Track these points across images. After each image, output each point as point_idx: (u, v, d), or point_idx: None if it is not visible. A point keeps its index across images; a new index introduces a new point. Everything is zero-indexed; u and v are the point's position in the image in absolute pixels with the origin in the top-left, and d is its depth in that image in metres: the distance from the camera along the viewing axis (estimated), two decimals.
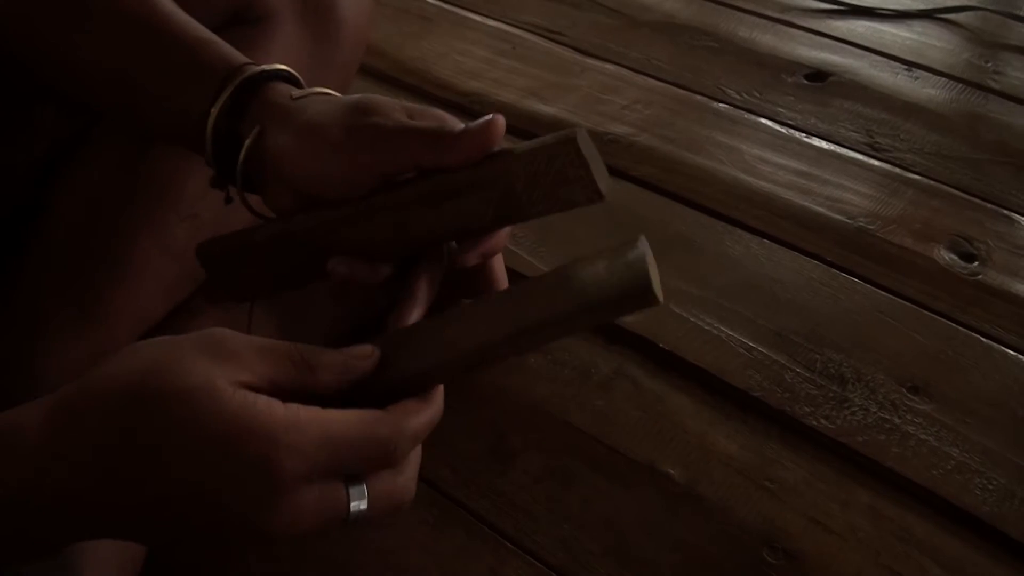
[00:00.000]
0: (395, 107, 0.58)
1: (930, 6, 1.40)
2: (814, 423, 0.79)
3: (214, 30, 0.66)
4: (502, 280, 0.64)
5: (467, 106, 1.17)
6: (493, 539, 0.71)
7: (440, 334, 0.51)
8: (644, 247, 0.48)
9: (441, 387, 0.50)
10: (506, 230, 0.61)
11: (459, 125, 0.55)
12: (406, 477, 0.47)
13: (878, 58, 1.28)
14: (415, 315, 0.58)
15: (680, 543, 0.72)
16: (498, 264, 0.63)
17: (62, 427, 0.43)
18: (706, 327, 0.87)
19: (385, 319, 0.61)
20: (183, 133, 0.64)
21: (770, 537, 0.72)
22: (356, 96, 0.59)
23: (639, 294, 0.46)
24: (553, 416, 0.79)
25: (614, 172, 1.05)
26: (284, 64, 0.69)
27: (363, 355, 0.49)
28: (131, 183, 0.74)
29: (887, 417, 0.80)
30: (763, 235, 0.98)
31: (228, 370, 0.43)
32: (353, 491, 0.45)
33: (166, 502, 0.43)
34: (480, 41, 1.31)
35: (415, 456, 0.48)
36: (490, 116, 0.54)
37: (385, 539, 0.71)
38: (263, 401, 0.43)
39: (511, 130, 1.10)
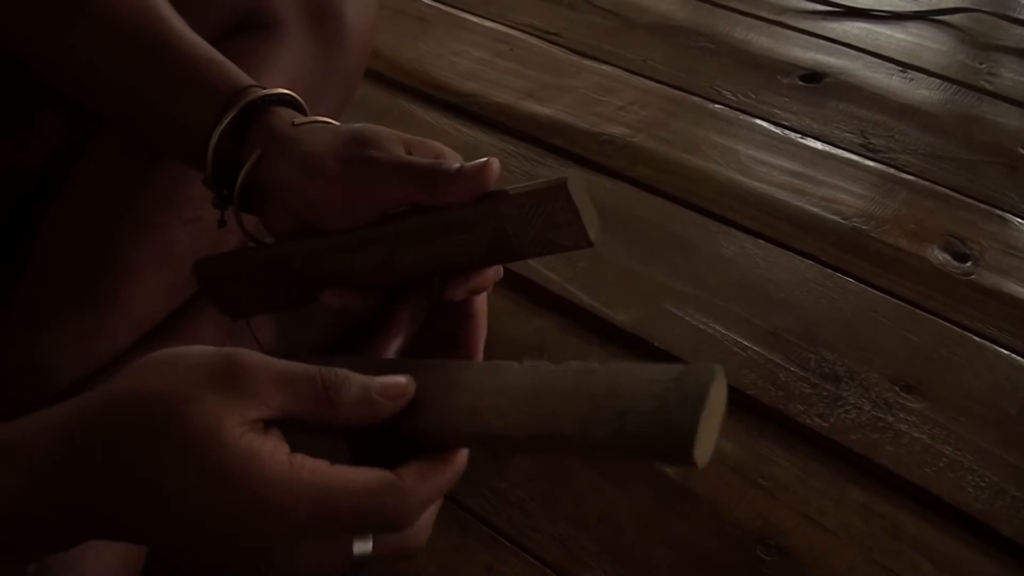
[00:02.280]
0: (393, 139, 0.58)
1: (924, 8, 1.40)
2: (808, 421, 0.80)
3: (221, 36, 0.67)
4: (482, 317, 0.63)
5: (464, 107, 1.18)
6: (490, 537, 0.72)
7: (476, 401, 0.47)
8: (706, 385, 0.40)
9: (465, 451, 0.47)
10: (494, 268, 0.61)
11: (455, 163, 0.56)
12: (417, 529, 0.47)
13: (873, 59, 1.29)
14: (396, 345, 0.58)
15: (675, 540, 0.72)
16: (481, 301, 0.63)
17: (65, 449, 0.43)
18: (701, 326, 0.87)
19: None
20: (184, 150, 0.64)
21: (764, 534, 0.73)
22: (356, 126, 0.59)
23: (678, 454, 0.39)
24: None
25: (610, 173, 1.06)
26: (290, 72, 0.70)
27: (395, 393, 0.47)
28: (134, 186, 0.74)
29: (880, 416, 0.81)
30: (758, 235, 0.98)
31: (239, 409, 0.43)
32: (356, 544, 0.44)
33: (167, 535, 0.43)
34: (477, 42, 1.31)
35: (433, 507, 0.47)
36: (486, 159, 0.54)
37: None
38: (267, 451, 0.42)
39: (509, 131, 1.12)
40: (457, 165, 0.55)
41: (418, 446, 0.46)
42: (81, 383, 0.73)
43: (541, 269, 0.91)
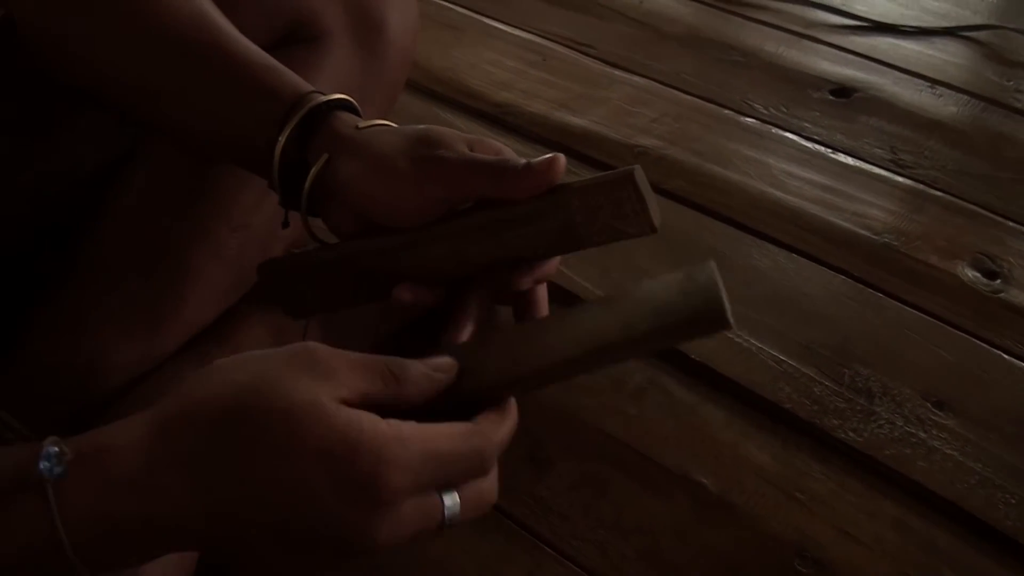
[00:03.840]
0: (457, 138, 0.60)
1: (952, 24, 1.41)
2: (842, 436, 0.81)
3: (270, 46, 0.68)
4: (544, 303, 0.66)
5: (498, 116, 1.19)
6: (531, 543, 0.73)
7: (515, 349, 0.52)
8: (714, 272, 0.49)
9: (514, 399, 0.51)
10: (556, 258, 0.63)
11: (519, 159, 0.58)
12: (491, 480, 0.49)
13: (901, 75, 1.30)
14: (466, 334, 0.60)
15: (712, 550, 0.74)
16: (543, 288, 0.66)
17: (160, 448, 0.44)
18: (736, 339, 0.88)
19: (424, 325, 0.64)
20: (244, 156, 0.66)
21: (801, 547, 0.74)
22: (420, 127, 0.61)
23: (714, 317, 0.47)
24: (588, 424, 0.81)
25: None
26: (336, 81, 0.71)
27: (445, 368, 0.50)
28: (186, 191, 0.76)
29: (913, 431, 0.82)
30: (791, 249, 0.99)
31: (328, 387, 0.44)
32: (446, 498, 0.46)
33: (267, 522, 0.44)
34: (509, 52, 1.32)
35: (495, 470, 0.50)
36: (553, 154, 0.56)
37: (428, 543, 0.73)
38: (367, 418, 0.44)
39: (542, 141, 1.13)
40: (524, 161, 0.57)
41: (463, 414, 0.50)
42: (131, 384, 0.74)
43: (575, 278, 0.93)
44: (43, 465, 0.44)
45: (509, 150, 0.62)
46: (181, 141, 0.74)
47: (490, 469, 0.48)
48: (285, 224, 0.68)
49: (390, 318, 0.83)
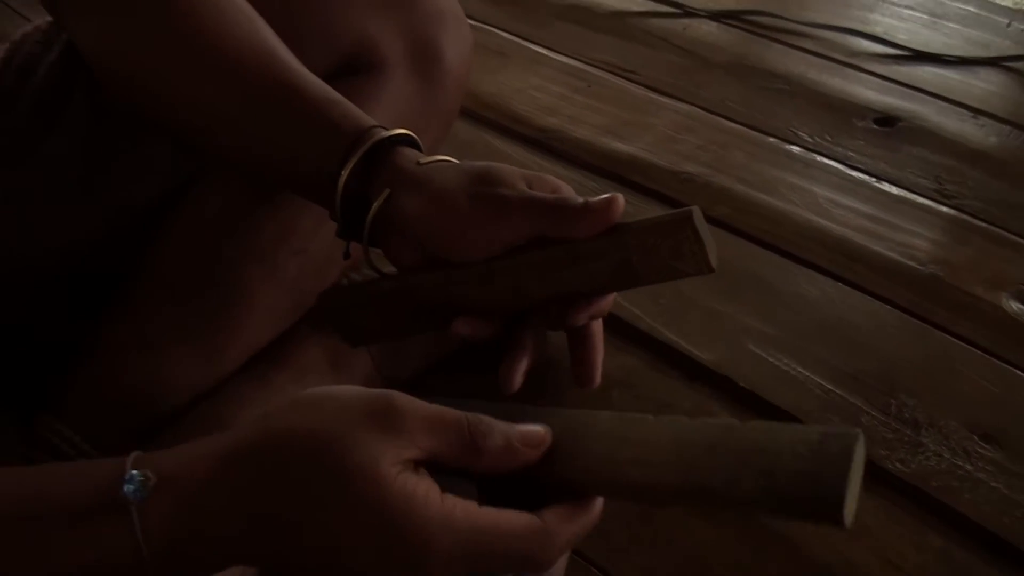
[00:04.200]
0: (517, 176, 0.62)
1: (994, 54, 1.41)
2: (890, 466, 0.82)
3: (330, 76, 0.70)
4: (599, 338, 0.67)
5: (545, 142, 1.21)
6: (584, 567, 0.74)
7: (616, 451, 0.49)
8: (852, 446, 0.43)
9: (601, 499, 0.50)
10: (612, 294, 0.65)
11: (578, 198, 0.59)
12: (554, 572, 0.50)
13: (944, 104, 1.30)
14: (522, 368, 0.62)
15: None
16: (598, 324, 0.67)
17: (230, 482, 0.46)
18: (784, 367, 0.89)
19: (476, 352, 0.65)
20: (307, 187, 0.68)
21: (845, 575, 0.74)
22: (480, 164, 0.63)
23: (828, 513, 0.42)
24: None
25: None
26: (394, 110, 0.73)
27: (535, 442, 0.49)
28: (247, 216, 0.77)
29: (959, 464, 0.82)
30: (837, 278, 1.00)
31: (394, 447, 0.45)
32: None
33: (314, 566, 0.46)
34: (555, 78, 1.34)
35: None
36: (611, 195, 0.58)
37: None
38: (422, 492, 0.45)
39: (589, 167, 1.14)
40: (583, 200, 0.58)
41: (548, 492, 0.49)
42: (191, 403, 0.76)
43: (625, 304, 0.94)
44: (128, 488, 0.46)
45: (567, 187, 0.64)
46: (244, 170, 0.76)
47: (548, 568, 0.48)
48: (346, 255, 0.69)
49: (442, 345, 0.85)
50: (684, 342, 0.91)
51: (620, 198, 0.58)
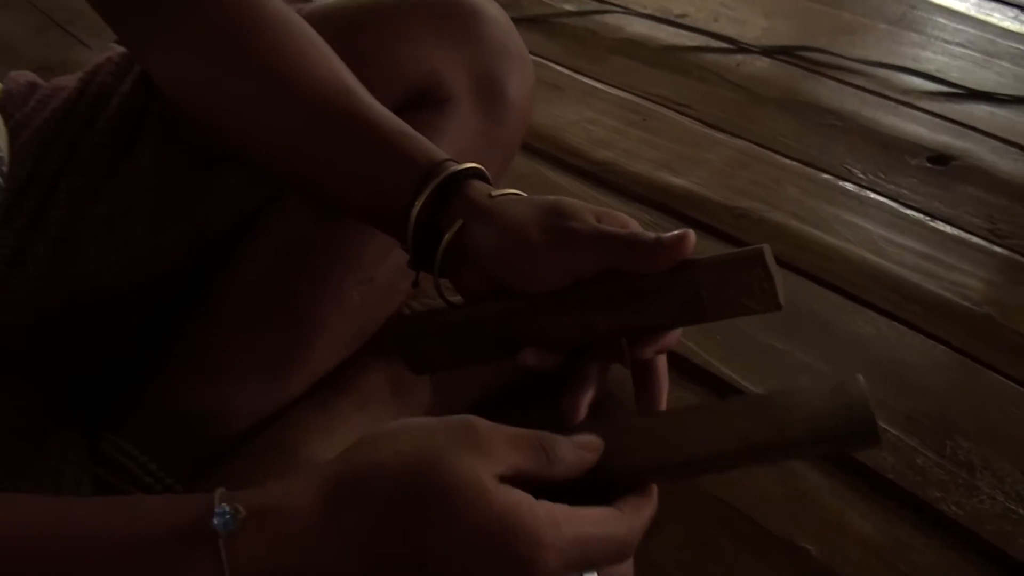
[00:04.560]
0: (587, 210, 0.63)
1: None
2: (944, 508, 0.82)
3: (398, 109, 0.72)
4: (664, 373, 0.68)
5: (600, 175, 1.22)
6: None
7: (663, 436, 0.55)
8: (865, 387, 0.52)
9: (655, 485, 0.53)
10: (679, 330, 0.66)
11: (649, 233, 0.60)
12: (628, 564, 0.52)
13: (998, 143, 1.30)
14: (587, 399, 0.63)
15: None
16: (663, 358, 0.68)
17: (332, 514, 0.47)
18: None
19: (535, 383, 0.66)
20: (378, 216, 0.69)
21: None
22: (551, 198, 0.64)
23: (867, 431, 0.51)
24: (696, 486, 0.83)
25: (745, 246, 1.08)
26: (459, 144, 0.75)
27: (592, 447, 0.53)
28: (315, 245, 0.79)
29: (1013, 508, 0.82)
30: (892, 317, 1.00)
31: (488, 464, 0.47)
32: None
33: None
34: (610, 111, 1.36)
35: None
36: (683, 231, 0.59)
37: None
38: (524, 499, 0.47)
39: (644, 200, 1.15)
40: (655, 236, 0.59)
41: (609, 491, 0.52)
42: (256, 428, 0.77)
43: (682, 339, 0.94)
44: (217, 521, 0.47)
45: (635, 222, 0.65)
46: (316, 198, 0.77)
47: (630, 554, 0.51)
48: (415, 284, 0.71)
49: (503, 374, 0.86)
50: (741, 378, 0.92)
51: (691, 234, 0.59)
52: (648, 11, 1.60)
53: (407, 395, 0.82)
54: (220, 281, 0.81)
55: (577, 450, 0.52)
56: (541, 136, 1.28)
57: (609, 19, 1.60)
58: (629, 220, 0.65)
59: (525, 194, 0.66)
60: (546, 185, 1.19)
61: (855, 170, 1.23)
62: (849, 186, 1.20)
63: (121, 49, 0.86)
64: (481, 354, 0.69)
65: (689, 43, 1.53)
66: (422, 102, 0.82)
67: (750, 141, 1.29)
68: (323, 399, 0.80)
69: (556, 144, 1.28)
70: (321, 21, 0.77)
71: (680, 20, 1.57)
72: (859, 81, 1.42)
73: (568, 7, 1.65)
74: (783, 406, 0.53)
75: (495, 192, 0.65)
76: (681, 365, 0.93)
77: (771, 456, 0.53)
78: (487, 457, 0.48)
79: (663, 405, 0.67)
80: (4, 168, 0.76)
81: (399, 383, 0.82)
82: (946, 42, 1.53)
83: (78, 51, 1.65)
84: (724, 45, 1.51)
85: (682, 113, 1.35)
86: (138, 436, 0.76)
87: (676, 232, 0.59)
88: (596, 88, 1.42)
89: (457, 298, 0.69)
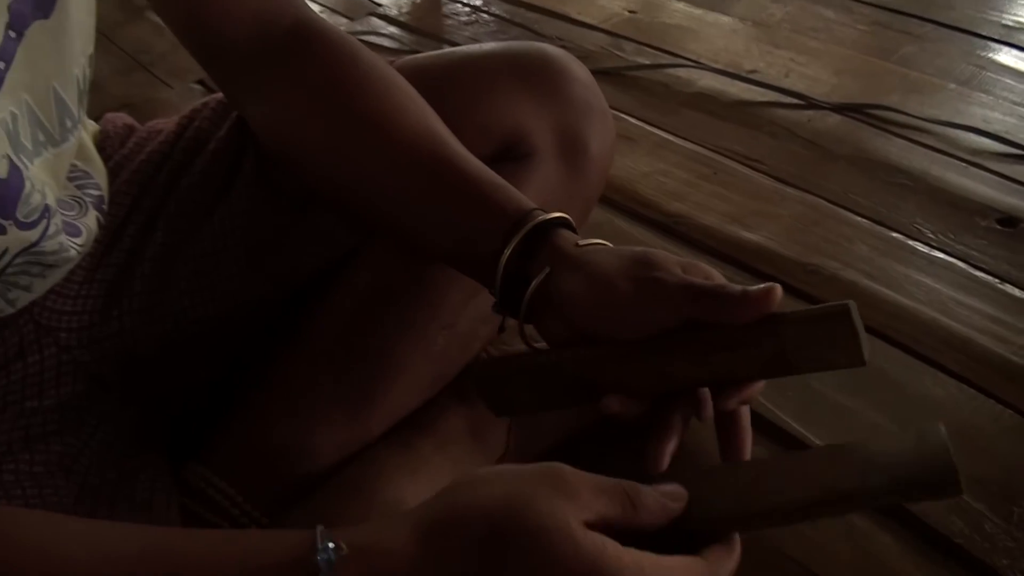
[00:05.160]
0: (672, 262, 0.65)
1: None
2: None
3: (486, 161, 0.74)
4: (746, 424, 0.69)
5: (672, 227, 1.24)
6: None
7: (746, 485, 0.56)
8: (945, 435, 0.53)
9: (738, 536, 0.55)
10: (762, 381, 0.67)
11: (735, 286, 0.62)
12: None
13: None
14: (670, 448, 0.64)
15: None
16: (746, 409, 0.69)
17: (430, 554, 0.49)
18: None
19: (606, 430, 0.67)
20: (466, 263, 0.72)
21: None
22: (637, 249, 0.66)
23: (948, 482, 0.51)
24: (766, 541, 0.84)
25: (816, 303, 1.09)
26: (542, 196, 0.77)
27: (676, 497, 0.54)
28: (402, 290, 0.82)
29: None
30: (961, 379, 1.01)
31: (575, 510, 0.49)
32: None
33: None
34: (682, 164, 1.38)
35: None
36: (769, 285, 0.60)
37: None
38: (611, 545, 0.49)
39: (716, 254, 1.17)
40: (742, 288, 0.61)
41: (692, 540, 0.54)
42: (337, 466, 0.80)
43: None
44: (320, 558, 0.49)
45: (719, 274, 0.66)
46: (405, 245, 0.80)
47: None
48: (501, 329, 0.73)
49: (582, 418, 0.88)
50: (811, 435, 0.93)
51: (778, 288, 0.60)
52: (720, 66, 1.62)
53: (485, 438, 0.84)
54: (308, 320, 0.84)
55: (662, 499, 0.54)
56: (614, 186, 1.31)
57: (681, 73, 1.63)
58: (713, 272, 0.66)
59: (610, 244, 0.68)
60: (619, 235, 1.21)
61: (925, 230, 1.24)
62: (919, 246, 1.21)
63: (218, 95, 0.90)
64: (563, 399, 0.71)
65: (760, 98, 1.55)
66: (508, 154, 0.85)
67: (821, 197, 1.30)
68: (404, 439, 0.82)
69: (629, 195, 1.30)
70: (414, 74, 0.81)
71: (751, 75, 1.59)
72: (929, 140, 1.43)
73: (641, 60, 1.68)
74: (864, 454, 0.54)
75: (582, 241, 0.67)
76: (752, 420, 0.94)
77: (854, 504, 0.55)
78: (574, 503, 0.50)
79: (747, 456, 0.68)
80: (104, 207, 0.80)
81: (477, 426, 0.84)
82: (1015, 103, 1.53)
83: (160, 90, 1.71)
84: (795, 101, 1.53)
85: (753, 168, 1.37)
86: (225, 468, 0.79)
87: (762, 285, 0.60)
88: (668, 140, 1.44)
89: (540, 343, 0.71)
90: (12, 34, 0.61)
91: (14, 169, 0.62)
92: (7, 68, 0.62)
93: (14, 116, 0.64)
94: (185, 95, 1.68)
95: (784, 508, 0.54)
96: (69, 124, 0.70)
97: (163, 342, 0.81)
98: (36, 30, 0.64)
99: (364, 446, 0.81)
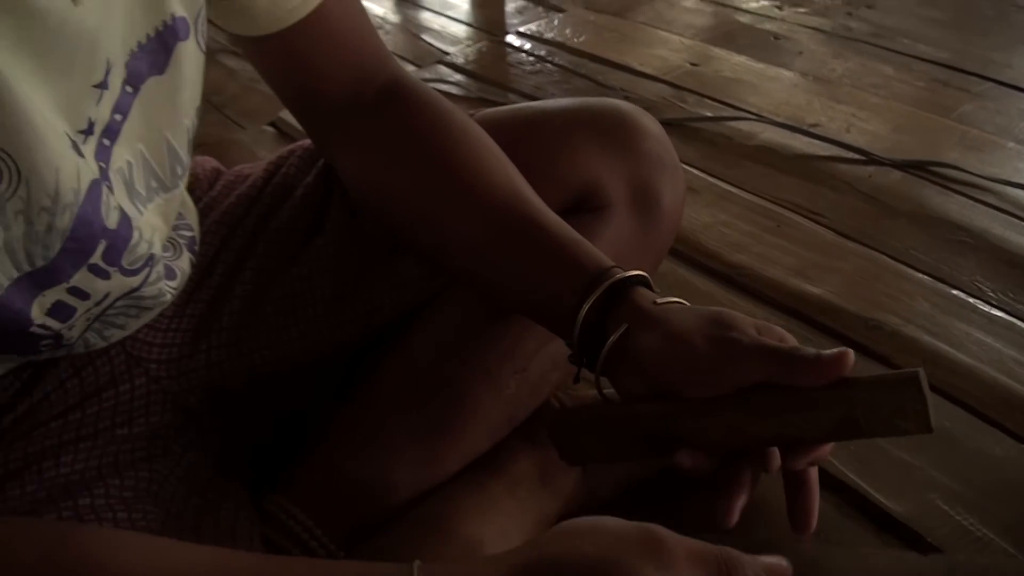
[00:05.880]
0: (748, 323, 0.67)
1: None
2: None
3: (561, 213, 0.77)
4: (815, 485, 0.71)
5: (734, 278, 1.26)
6: None
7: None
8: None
9: None
10: (831, 443, 0.69)
11: (808, 349, 0.64)
12: None
13: None
14: (740, 504, 0.66)
15: None
16: (814, 470, 0.71)
17: None
18: (970, 527, 0.90)
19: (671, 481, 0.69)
20: (545, 315, 0.75)
21: None
22: (714, 309, 0.68)
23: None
24: None
25: (877, 358, 1.11)
26: (615, 248, 0.80)
27: (780, 572, 0.55)
28: (479, 335, 0.85)
29: None
30: (1021, 440, 1.01)
31: None
32: None
33: None
34: (744, 216, 1.40)
35: None
36: (842, 350, 0.62)
37: None
38: None
39: (778, 306, 1.19)
40: (815, 352, 0.63)
41: None
42: (410, 504, 0.82)
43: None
44: None
45: (791, 337, 0.69)
46: (484, 293, 0.83)
47: None
48: (576, 380, 0.76)
49: (647, 467, 0.90)
50: (873, 491, 0.94)
51: (851, 353, 0.63)
52: (781, 119, 1.65)
53: (554, 481, 0.86)
54: (388, 358, 0.87)
55: (761, 573, 0.54)
56: (678, 237, 1.30)
57: (743, 126, 1.65)
58: (786, 334, 0.69)
59: (687, 303, 0.71)
60: (682, 285, 1.24)
61: (985, 288, 1.25)
62: (980, 304, 1.22)
63: (304, 143, 0.94)
64: (635, 451, 0.73)
65: (822, 152, 1.57)
66: (583, 207, 0.88)
67: (882, 252, 1.31)
68: (477, 480, 0.84)
69: (692, 245, 1.33)
70: (494, 127, 0.84)
71: (813, 129, 1.61)
72: (989, 199, 1.44)
73: (703, 112, 1.71)
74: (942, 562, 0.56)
75: (660, 299, 0.70)
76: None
77: None
78: (669, 571, 0.51)
79: (815, 516, 0.70)
80: (196, 247, 0.84)
81: (546, 469, 0.86)
82: None
83: (233, 131, 1.77)
84: (856, 156, 1.54)
85: (815, 221, 1.39)
86: (304, 500, 0.82)
87: (836, 350, 0.63)
88: (730, 192, 1.46)
89: (611, 392, 0.73)
90: (129, 89, 0.66)
91: (124, 219, 0.66)
92: (124, 120, 0.66)
93: (130, 164, 0.68)
94: (257, 137, 1.74)
95: None
96: (180, 171, 0.74)
97: (248, 376, 0.84)
98: (151, 85, 0.68)
99: (438, 484, 0.84)
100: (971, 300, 1.23)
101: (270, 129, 1.76)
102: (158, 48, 0.68)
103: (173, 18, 0.68)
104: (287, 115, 1.42)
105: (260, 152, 1.67)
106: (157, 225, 0.72)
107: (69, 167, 0.59)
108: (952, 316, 1.19)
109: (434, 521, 0.81)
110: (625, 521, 0.54)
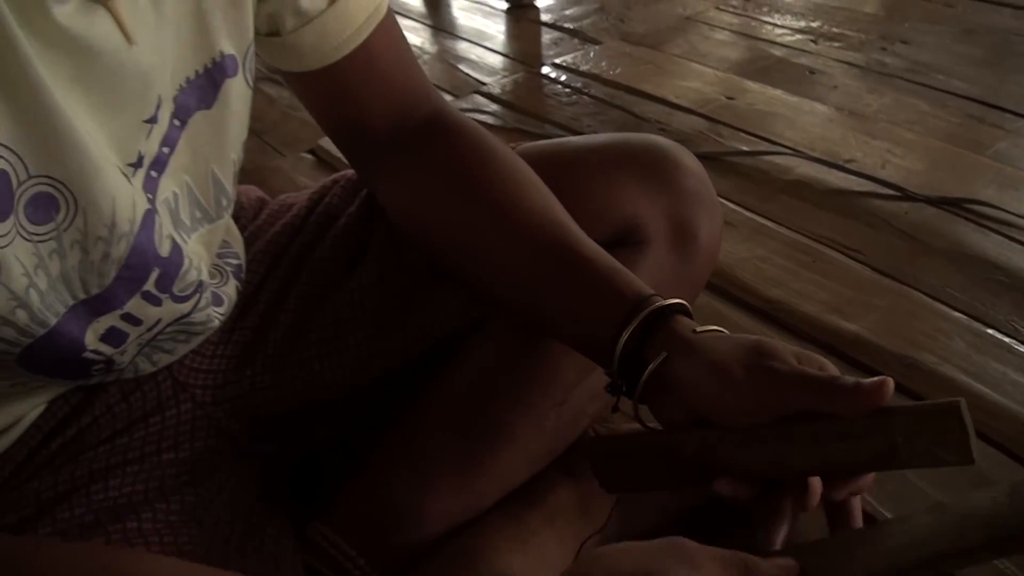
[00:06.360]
0: (788, 352, 0.67)
1: None
2: None
3: (603, 246, 0.78)
4: (858, 514, 0.71)
5: (771, 313, 1.27)
6: None
7: (851, 553, 0.59)
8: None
9: None
10: (873, 473, 0.69)
11: (848, 378, 0.64)
12: None
13: None
14: (783, 533, 0.67)
15: None
16: (856, 500, 0.71)
17: None
18: (1007, 571, 0.91)
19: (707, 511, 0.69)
20: (585, 343, 0.75)
21: None
22: (752, 338, 0.69)
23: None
24: None
25: (913, 396, 1.11)
26: (652, 281, 0.80)
27: (790, 570, 0.58)
28: (518, 364, 0.86)
29: None
30: None
31: None
32: None
33: None
34: (780, 250, 1.40)
35: None
36: (882, 379, 0.62)
37: None
38: None
39: (814, 341, 1.19)
40: (855, 381, 0.63)
41: None
42: (449, 533, 0.83)
43: None
44: None
45: (831, 365, 0.69)
46: (524, 321, 0.84)
47: None
48: (615, 409, 0.76)
49: (683, 500, 0.90)
50: None
51: (890, 382, 0.62)
52: (817, 154, 1.66)
53: (592, 513, 0.87)
54: (429, 388, 0.88)
55: (777, 572, 0.57)
56: (714, 270, 1.33)
57: (779, 160, 1.66)
58: (826, 363, 0.69)
59: (726, 331, 0.71)
60: (718, 319, 1.24)
61: (1021, 328, 1.24)
62: (1016, 344, 1.21)
63: (347, 172, 0.96)
64: (675, 479, 0.74)
65: (857, 188, 1.57)
66: (623, 241, 0.89)
67: (918, 290, 1.31)
68: (514, 511, 0.85)
69: (728, 279, 1.33)
70: (536, 161, 0.85)
71: (848, 165, 1.62)
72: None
73: (739, 145, 1.72)
74: (959, 514, 0.57)
75: (699, 328, 0.70)
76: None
77: (955, 563, 0.57)
78: (697, 572, 0.53)
79: None
80: (242, 275, 0.85)
81: (585, 501, 0.87)
82: None
83: (272, 158, 1.79)
84: (892, 192, 1.55)
85: (851, 257, 1.39)
86: (344, 527, 0.83)
87: (876, 379, 0.63)
88: (766, 226, 1.47)
89: (652, 423, 0.74)
90: (177, 123, 0.67)
91: (176, 248, 0.68)
92: (171, 153, 0.68)
93: (175, 196, 0.70)
94: (296, 164, 1.76)
95: (890, 572, 0.57)
96: (224, 203, 0.76)
97: (290, 403, 0.85)
98: (198, 119, 0.70)
99: (476, 515, 0.84)
100: (1007, 340, 1.22)
101: (309, 156, 1.78)
102: (206, 84, 0.69)
103: (222, 55, 0.70)
104: (326, 142, 1.45)
105: (299, 179, 1.70)
106: (201, 254, 0.73)
107: (125, 197, 0.60)
108: (988, 356, 1.19)
109: (472, 553, 0.81)
110: (654, 541, 0.56)
